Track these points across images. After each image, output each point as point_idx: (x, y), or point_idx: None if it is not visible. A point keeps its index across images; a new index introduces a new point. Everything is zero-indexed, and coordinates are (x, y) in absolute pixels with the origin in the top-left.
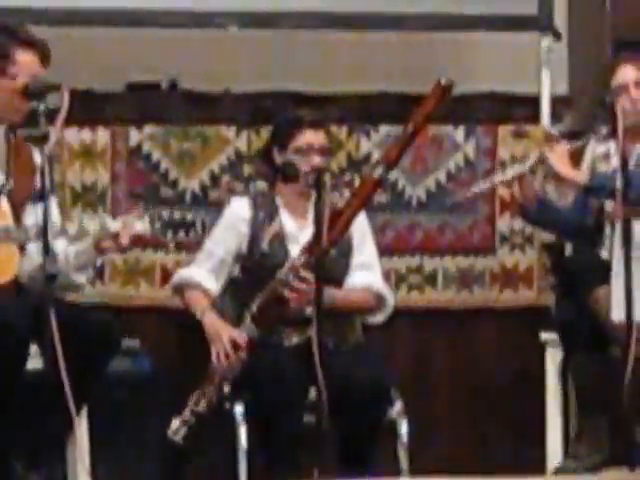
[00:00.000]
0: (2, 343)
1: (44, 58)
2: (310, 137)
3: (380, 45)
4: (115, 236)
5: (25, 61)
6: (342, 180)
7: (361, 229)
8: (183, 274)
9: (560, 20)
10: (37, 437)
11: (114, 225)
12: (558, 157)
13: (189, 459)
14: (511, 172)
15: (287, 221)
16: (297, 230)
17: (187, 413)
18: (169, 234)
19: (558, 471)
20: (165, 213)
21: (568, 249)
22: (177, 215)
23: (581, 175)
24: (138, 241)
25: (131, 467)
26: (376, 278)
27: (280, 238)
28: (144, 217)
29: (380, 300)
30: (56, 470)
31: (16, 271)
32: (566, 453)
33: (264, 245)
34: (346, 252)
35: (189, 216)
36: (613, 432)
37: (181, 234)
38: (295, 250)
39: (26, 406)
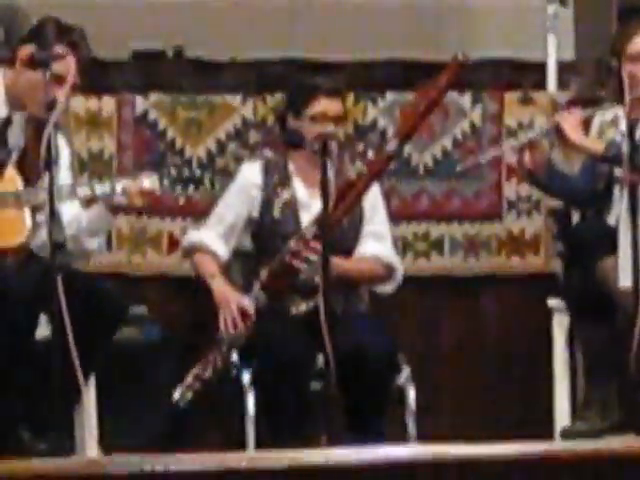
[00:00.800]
0: (9, 311)
1: (73, 44)
2: (326, 105)
3: (385, 12)
4: (125, 193)
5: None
6: (355, 150)
7: (373, 199)
8: (193, 237)
9: None
10: (44, 406)
11: (123, 182)
12: (571, 125)
13: (194, 423)
14: (523, 138)
15: (299, 188)
16: (309, 198)
17: (192, 379)
18: (178, 189)
19: (565, 432)
20: (174, 170)
21: (575, 216)
22: (186, 172)
23: (597, 144)
24: (147, 205)
25: (140, 433)
26: (386, 248)
27: (292, 205)
28: (153, 175)
29: (390, 270)
30: (64, 438)
31: (26, 236)
32: (574, 418)
33: (275, 212)
34: (357, 222)
35: (198, 173)
36: (621, 398)
37: (190, 190)
38: (307, 218)
39: (34, 374)
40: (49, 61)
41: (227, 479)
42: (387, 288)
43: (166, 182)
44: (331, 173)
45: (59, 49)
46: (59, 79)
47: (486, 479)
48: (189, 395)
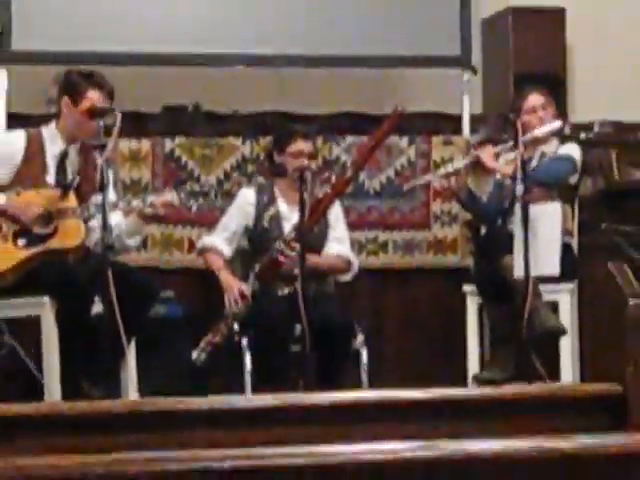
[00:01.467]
0: (75, 294)
1: (109, 95)
2: (301, 145)
3: (345, 78)
4: (152, 205)
5: (93, 97)
6: (322, 177)
7: (336, 212)
8: (205, 241)
9: (476, 59)
10: (99, 362)
11: (151, 197)
12: (488, 156)
13: (207, 377)
14: (450, 168)
15: (282, 205)
16: (289, 212)
17: (205, 344)
18: (192, 201)
19: (475, 378)
20: (187, 186)
21: (483, 228)
22: (197, 187)
23: (507, 168)
24: (171, 215)
25: (166, 383)
26: (346, 248)
27: (277, 218)
28: (173, 191)
29: (348, 264)
30: (112, 387)
31: (82, 238)
32: (481, 372)
33: (265, 223)
34: (324, 229)
35: (205, 187)
36: (517, 358)
37: (200, 201)
38: (288, 227)
39: (91, 340)
40: (104, 113)
41: (231, 416)
42: (347, 277)
43: (183, 196)
44: (306, 194)
45: (94, 96)
46: (110, 125)
47: (419, 414)
48: (203, 356)
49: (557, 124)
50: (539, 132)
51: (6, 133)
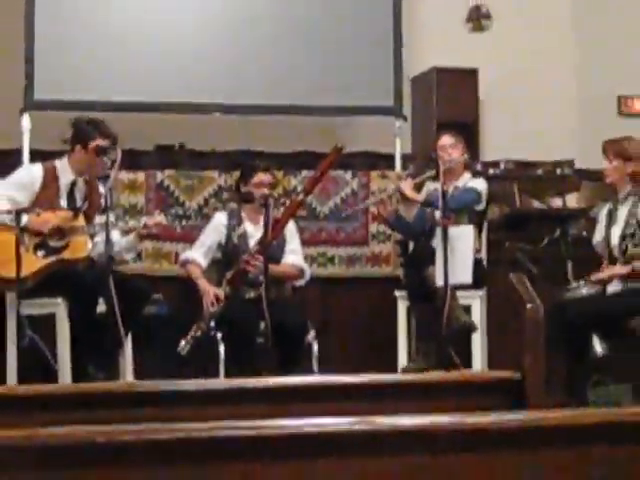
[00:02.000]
0: (84, 295)
1: (114, 141)
2: (262, 177)
3: (300, 123)
4: (145, 226)
5: (101, 143)
6: (280, 202)
7: (291, 230)
8: (186, 255)
9: (406, 109)
10: (102, 351)
11: (144, 219)
12: (406, 186)
13: (189, 365)
14: (379, 197)
15: (248, 226)
16: (254, 231)
17: (189, 337)
18: (176, 222)
19: (404, 369)
20: (173, 210)
21: (411, 244)
22: (180, 211)
23: (420, 196)
24: (161, 233)
25: (156, 368)
26: (299, 259)
27: (244, 236)
28: (161, 214)
29: (302, 273)
30: (113, 371)
31: (89, 251)
32: (409, 361)
33: (234, 240)
34: (282, 243)
35: (188, 211)
36: (437, 350)
37: (183, 221)
38: (252, 243)
39: (96, 333)
40: (108, 152)
41: (209, 395)
42: (301, 282)
43: (170, 218)
44: (268, 216)
45: (101, 142)
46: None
47: (359, 395)
48: (187, 347)
49: (459, 159)
50: (449, 164)
51: (27, 166)
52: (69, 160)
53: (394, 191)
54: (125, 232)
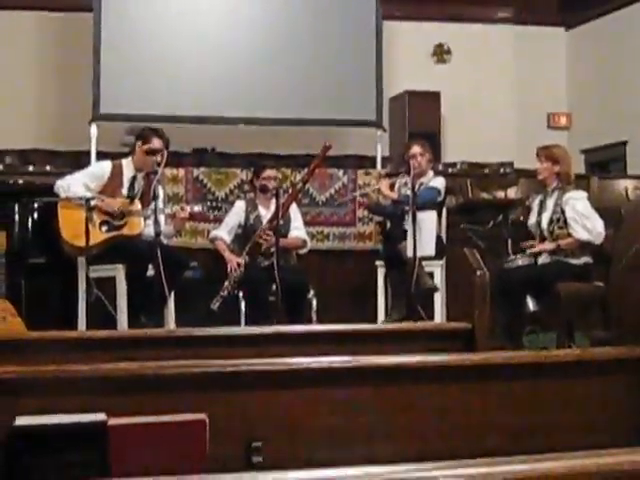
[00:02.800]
0: (138, 262)
1: (166, 143)
2: (269, 172)
3: (303, 132)
4: (174, 215)
5: (157, 144)
6: (287, 192)
7: (295, 211)
8: (215, 233)
9: (385, 122)
10: (151, 304)
11: (184, 206)
12: (384, 185)
13: (217, 315)
14: (365, 191)
15: (261, 210)
16: (266, 214)
17: (219, 296)
18: (210, 211)
19: (382, 321)
20: (208, 202)
21: (388, 224)
22: (214, 203)
23: (395, 194)
24: (198, 216)
25: (191, 318)
26: (302, 233)
27: (258, 218)
28: (199, 204)
29: (305, 243)
30: (160, 321)
31: (141, 229)
32: (386, 315)
33: (251, 221)
34: (288, 221)
35: (218, 202)
36: (408, 306)
37: (216, 211)
38: (264, 222)
39: (147, 291)
40: (156, 152)
41: (233, 339)
42: (304, 251)
43: (205, 208)
44: (279, 203)
45: (157, 143)
46: (158, 159)
47: (348, 340)
48: (217, 303)
49: (426, 166)
50: (417, 170)
51: (100, 162)
52: (132, 159)
53: (375, 188)
54: (169, 216)
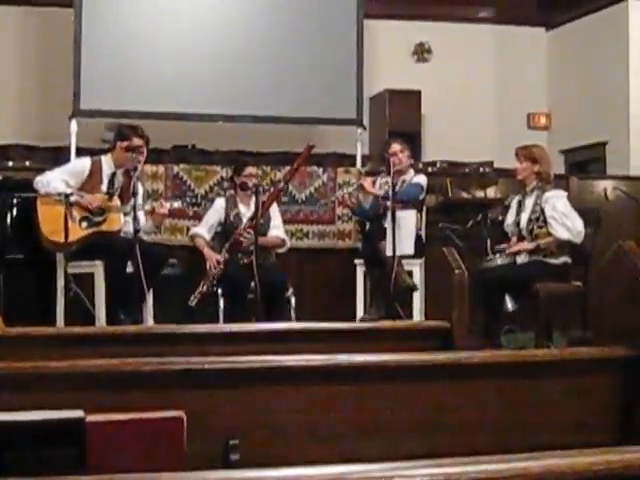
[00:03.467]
0: (117, 258)
1: (147, 141)
2: (250, 170)
3: (283, 130)
4: (153, 211)
5: (137, 141)
6: (267, 190)
7: (274, 210)
8: (194, 230)
9: (365, 121)
10: (130, 301)
11: (166, 204)
12: (367, 183)
13: (196, 313)
14: (346, 190)
15: (241, 208)
16: (246, 212)
17: (197, 292)
18: (190, 207)
19: (361, 319)
20: (187, 198)
21: (367, 224)
22: (193, 199)
23: (379, 191)
24: (177, 213)
25: (170, 315)
26: (282, 232)
27: (238, 215)
28: (178, 200)
29: (284, 243)
30: (139, 318)
31: (122, 225)
32: (365, 313)
33: (231, 218)
34: (267, 220)
35: (197, 198)
36: (386, 305)
37: (195, 207)
38: (244, 221)
39: (125, 288)
40: (136, 149)
41: (212, 337)
42: (283, 250)
43: (184, 204)
44: (258, 201)
45: (138, 142)
46: (139, 157)
47: (326, 338)
48: (195, 300)
49: (407, 162)
50: (398, 167)
51: (80, 158)
52: (111, 156)
53: (356, 187)
54: (148, 212)
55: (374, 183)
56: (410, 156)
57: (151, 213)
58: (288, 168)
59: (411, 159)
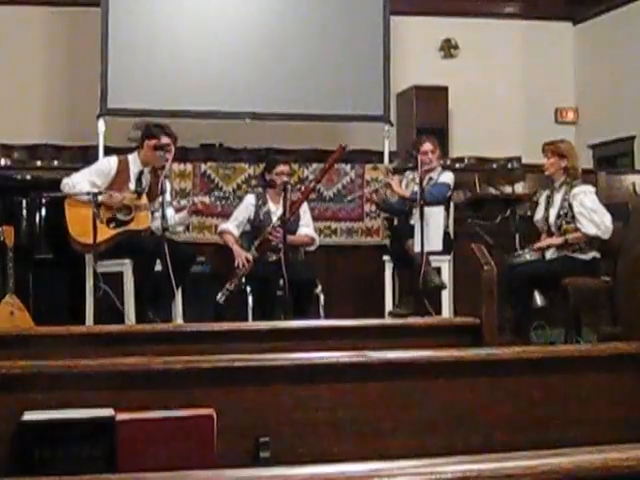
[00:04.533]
0: (145, 257)
1: (174, 139)
2: (282, 168)
3: (311, 127)
4: (193, 203)
5: (165, 140)
6: (295, 188)
7: (304, 208)
8: (223, 226)
9: (393, 117)
10: (159, 300)
11: (193, 199)
12: (394, 183)
13: (225, 310)
14: (374, 187)
15: (271, 206)
16: (275, 209)
17: (225, 290)
18: (218, 203)
19: (390, 313)
20: (215, 193)
21: (395, 221)
22: (221, 194)
23: (406, 192)
24: (205, 209)
25: (199, 313)
26: (311, 231)
27: (268, 213)
28: (207, 195)
29: (313, 241)
30: (168, 316)
31: (149, 224)
32: (394, 308)
33: (260, 215)
34: (297, 219)
35: (226, 194)
36: (415, 301)
37: (223, 202)
38: (274, 218)
39: (154, 286)
40: (164, 148)
41: (240, 334)
42: (312, 248)
43: (213, 199)
44: (287, 199)
45: (166, 140)
46: (167, 155)
47: (356, 335)
48: (223, 297)
49: (436, 164)
50: (427, 166)
51: (106, 157)
52: (138, 154)
53: (384, 184)
54: (177, 210)
55: (401, 182)
56: (440, 157)
57: (181, 210)
58: (315, 165)
59: (441, 160)
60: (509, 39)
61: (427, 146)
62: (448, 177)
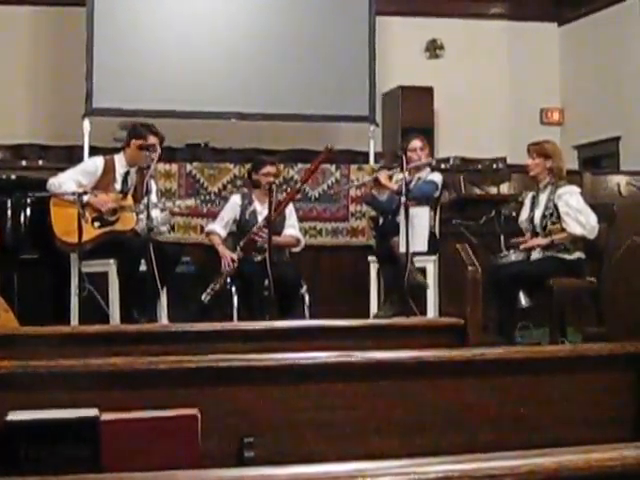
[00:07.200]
0: (130, 257)
1: (162, 140)
2: (269, 168)
3: (296, 127)
4: (179, 206)
5: (151, 140)
6: (281, 188)
7: (290, 209)
8: (210, 227)
9: (378, 118)
10: (144, 300)
11: (179, 201)
12: (383, 177)
13: (210, 310)
14: (361, 182)
15: (257, 206)
16: (261, 210)
17: (209, 290)
18: (204, 204)
19: (375, 316)
20: (201, 196)
21: (380, 220)
22: (207, 196)
23: (395, 185)
24: (191, 211)
25: (184, 313)
26: (296, 231)
27: (254, 213)
28: (192, 197)
29: (298, 242)
30: (153, 316)
31: (134, 224)
32: (378, 309)
33: (246, 216)
34: (283, 219)
35: (211, 195)
36: (400, 302)
37: (209, 204)
38: (260, 219)
39: (139, 286)
40: (149, 148)
41: (225, 335)
42: (297, 249)
43: (198, 201)
44: (273, 199)
45: (153, 140)
46: (152, 155)
47: (341, 335)
48: (208, 297)
49: (426, 161)
50: (415, 163)
51: (93, 158)
52: (124, 155)
53: (371, 179)
54: (162, 210)
55: (391, 178)
56: (428, 154)
57: (163, 211)
58: (301, 166)
59: (430, 158)
60: (494, 40)
61: (416, 143)
62: (436, 177)
